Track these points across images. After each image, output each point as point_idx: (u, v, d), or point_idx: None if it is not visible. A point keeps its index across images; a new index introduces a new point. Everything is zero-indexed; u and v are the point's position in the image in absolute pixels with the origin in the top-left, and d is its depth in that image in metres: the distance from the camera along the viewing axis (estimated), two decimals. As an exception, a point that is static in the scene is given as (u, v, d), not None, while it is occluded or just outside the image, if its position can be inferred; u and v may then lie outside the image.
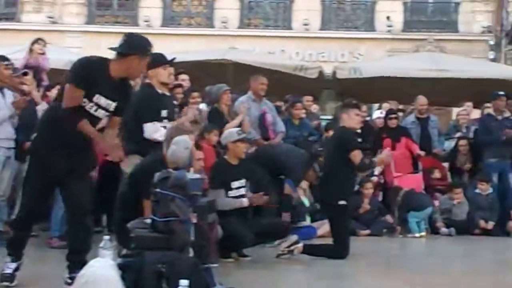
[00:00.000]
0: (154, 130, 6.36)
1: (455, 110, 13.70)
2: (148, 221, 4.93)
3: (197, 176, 5.47)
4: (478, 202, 10.86)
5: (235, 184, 7.11)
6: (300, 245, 7.23)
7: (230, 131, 7.57)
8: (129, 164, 6.13)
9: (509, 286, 6.11)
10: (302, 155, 9.08)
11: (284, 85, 12.69)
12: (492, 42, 19.09)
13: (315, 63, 16.11)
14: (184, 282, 4.39)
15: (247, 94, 9.87)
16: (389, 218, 10.52)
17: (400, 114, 12.75)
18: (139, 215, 5.23)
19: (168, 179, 4.93)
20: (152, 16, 20.80)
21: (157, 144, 6.06)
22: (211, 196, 6.57)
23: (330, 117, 13.42)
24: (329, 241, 7.51)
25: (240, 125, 8.75)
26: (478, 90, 12.95)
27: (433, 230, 10.59)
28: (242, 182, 7.17)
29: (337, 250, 7.27)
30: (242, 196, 7.14)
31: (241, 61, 12.52)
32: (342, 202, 7.31)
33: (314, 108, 12.71)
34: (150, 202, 5.03)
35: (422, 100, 11.87)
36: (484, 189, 10.86)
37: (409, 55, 16.80)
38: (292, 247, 7.20)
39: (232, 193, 7.08)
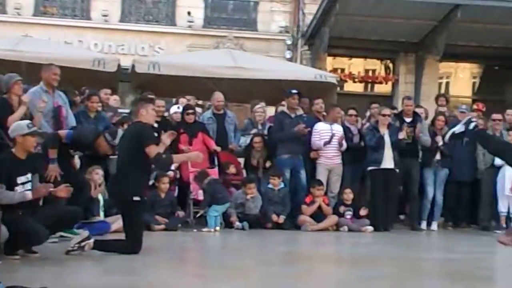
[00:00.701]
0: None
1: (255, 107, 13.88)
2: None
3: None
4: (271, 197, 11.19)
5: (21, 179, 6.78)
6: (91, 240, 7.04)
7: (20, 123, 7.20)
8: None
9: (298, 276, 6.30)
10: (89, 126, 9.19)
11: (81, 76, 12.34)
12: (289, 42, 19.67)
13: (114, 55, 15.83)
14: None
15: (39, 84, 9.49)
16: (181, 213, 10.62)
17: (199, 109, 12.84)
18: None
19: None
20: None
21: None
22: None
23: (128, 110, 13.21)
24: (123, 236, 7.38)
25: (31, 117, 8.42)
26: (274, 88, 13.32)
27: (227, 224, 10.78)
28: (29, 176, 6.86)
29: (130, 246, 7.16)
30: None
31: (35, 58, 11.88)
32: (136, 198, 7.21)
33: (114, 99, 12.50)
34: None
35: (218, 96, 12.04)
36: (276, 184, 11.20)
37: (209, 52, 16.94)
38: (82, 243, 6.99)
39: (18, 188, 6.74)
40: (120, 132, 8.64)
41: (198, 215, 10.89)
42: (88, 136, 8.69)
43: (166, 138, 7.73)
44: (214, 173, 11.26)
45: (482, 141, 9.44)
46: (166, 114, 11.97)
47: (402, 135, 11.47)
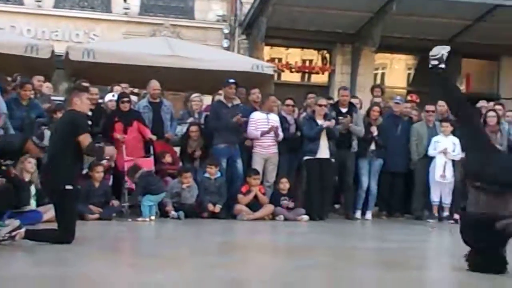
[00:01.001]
0: None
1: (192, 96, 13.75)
2: None
3: None
4: (207, 186, 11.15)
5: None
6: (22, 230, 6.88)
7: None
8: None
9: (233, 265, 6.27)
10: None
11: (13, 62, 12.05)
12: (226, 31, 19.61)
13: (48, 41, 15.51)
14: None
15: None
16: (116, 203, 10.49)
17: (134, 97, 12.69)
18: None
19: None
20: None
21: None
22: None
23: (62, 98, 12.96)
24: (55, 226, 7.23)
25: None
26: (211, 77, 13.24)
27: (163, 213, 10.70)
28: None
29: (62, 235, 7.02)
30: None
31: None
32: (68, 187, 7.07)
33: (47, 86, 12.24)
34: None
35: (154, 84, 11.91)
36: (213, 173, 11.17)
37: (145, 39, 16.77)
38: (13, 233, 6.82)
39: None
40: (47, 132, 8.44)
41: (127, 205, 10.72)
42: (14, 144, 8.40)
43: (112, 152, 7.63)
44: (149, 162, 11.16)
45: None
46: (100, 101, 11.79)
47: (326, 124, 11.51)
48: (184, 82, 13.82)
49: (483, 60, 20.43)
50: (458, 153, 11.89)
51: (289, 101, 12.37)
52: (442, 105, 12.91)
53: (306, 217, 11.28)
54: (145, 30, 18.73)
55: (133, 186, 10.71)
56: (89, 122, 8.49)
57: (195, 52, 13.82)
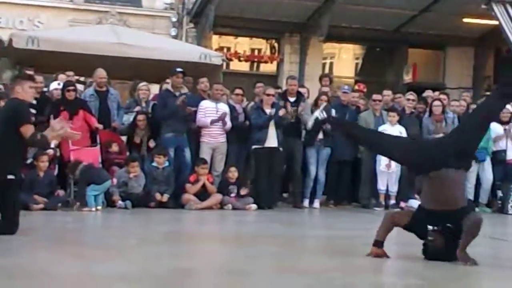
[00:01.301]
0: None
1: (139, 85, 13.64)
2: None
3: None
4: (155, 176, 11.07)
5: None
6: (-36, 221, 6.75)
7: None
8: None
9: (181, 255, 6.24)
10: None
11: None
12: (174, 19, 19.52)
13: (-10, 28, 15.22)
14: None
15: None
16: (62, 192, 10.33)
17: (80, 86, 12.51)
18: None
19: None
20: None
21: None
22: None
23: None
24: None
25: None
26: (159, 66, 13.12)
27: (110, 203, 10.58)
28: None
29: (5, 226, 6.90)
30: None
31: None
32: (10, 177, 6.94)
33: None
34: None
35: (100, 73, 11.76)
36: (161, 162, 11.09)
37: (92, 27, 16.57)
38: (-45, 225, 6.69)
39: None
40: None
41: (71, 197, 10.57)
42: None
43: (57, 124, 7.43)
44: (95, 151, 11.02)
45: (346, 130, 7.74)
46: (45, 90, 11.59)
47: (282, 112, 11.57)
48: (131, 70, 13.67)
49: (429, 50, 20.71)
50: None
51: (238, 91, 12.36)
52: (386, 95, 13.07)
53: (254, 206, 11.29)
54: (91, 17, 18.52)
55: (78, 178, 10.59)
56: (34, 111, 8.35)
57: (142, 41, 13.66)
